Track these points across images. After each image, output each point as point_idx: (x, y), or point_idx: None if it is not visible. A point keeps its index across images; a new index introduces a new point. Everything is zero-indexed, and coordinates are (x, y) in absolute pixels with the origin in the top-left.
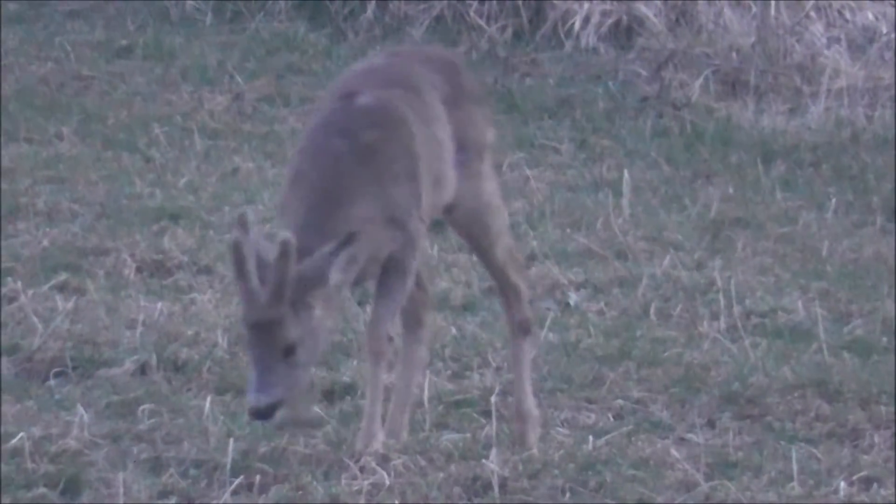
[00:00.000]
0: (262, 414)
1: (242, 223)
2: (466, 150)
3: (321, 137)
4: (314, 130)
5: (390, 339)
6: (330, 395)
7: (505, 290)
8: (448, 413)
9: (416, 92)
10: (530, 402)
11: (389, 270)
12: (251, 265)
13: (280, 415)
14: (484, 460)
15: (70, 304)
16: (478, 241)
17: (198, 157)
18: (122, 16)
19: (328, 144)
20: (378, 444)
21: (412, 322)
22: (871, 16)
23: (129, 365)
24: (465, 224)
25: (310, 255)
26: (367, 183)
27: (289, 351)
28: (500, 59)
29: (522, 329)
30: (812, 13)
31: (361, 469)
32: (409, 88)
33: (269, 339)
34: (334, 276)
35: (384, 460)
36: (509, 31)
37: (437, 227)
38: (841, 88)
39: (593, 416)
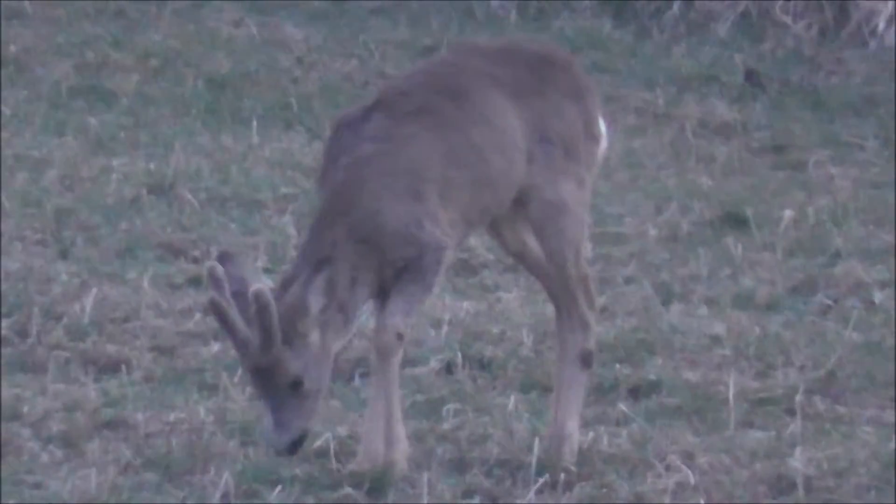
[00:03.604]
0: (285, 452)
1: (214, 279)
2: (549, 142)
3: (329, 158)
4: (326, 150)
5: (400, 336)
6: (635, 393)
7: (571, 314)
8: (753, 411)
9: (457, 95)
10: (574, 426)
11: (407, 272)
12: (234, 316)
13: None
14: (789, 459)
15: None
16: (548, 245)
17: None
18: (426, 14)
19: (335, 162)
20: (404, 445)
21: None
22: None
23: (434, 364)
24: (536, 220)
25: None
26: (354, 200)
27: (295, 385)
28: (806, 58)
29: (583, 361)
30: None
31: (666, 468)
32: (447, 92)
33: (272, 380)
34: (314, 302)
35: (689, 458)
36: (814, 28)
37: (741, 227)
38: None
39: None
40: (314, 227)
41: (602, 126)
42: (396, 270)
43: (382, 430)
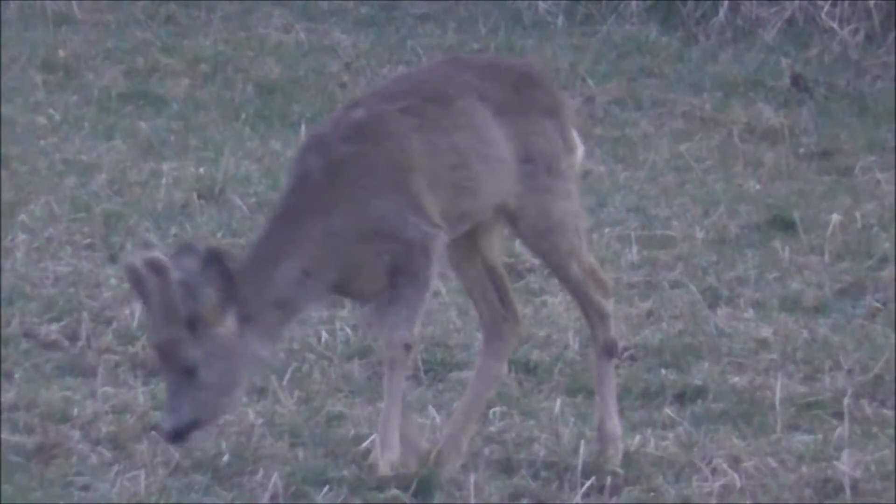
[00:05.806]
0: (171, 437)
1: (147, 247)
2: (532, 162)
3: (300, 153)
4: (301, 146)
5: (408, 347)
6: (681, 398)
7: (587, 310)
8: (799, 415)
9: (443, 101)
10: (614, 423)
11: (398, 278)
12: (150, 289)
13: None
14: (835, 462)
15: None
16: (547, 259)
17: None
18: (473, 19)
19: (302, 161)
20: (395, 454)
21: (492, 336)
22: None
23: None
24: (530, 239)
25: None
26: (333, 199)
27: (189, 372)
28: (852, 62)
29: (607, 351)
30: None
31: (713, 471)
32: (433, 98)
33: (168, 361)
34: (208, 293)
35: (735, 462)
36: (861, 33)
37: (788, 230)
38: None
39: None
40: (274, 225)
41: (576, 137)
42: (389, 270)
43: (411, 428)
